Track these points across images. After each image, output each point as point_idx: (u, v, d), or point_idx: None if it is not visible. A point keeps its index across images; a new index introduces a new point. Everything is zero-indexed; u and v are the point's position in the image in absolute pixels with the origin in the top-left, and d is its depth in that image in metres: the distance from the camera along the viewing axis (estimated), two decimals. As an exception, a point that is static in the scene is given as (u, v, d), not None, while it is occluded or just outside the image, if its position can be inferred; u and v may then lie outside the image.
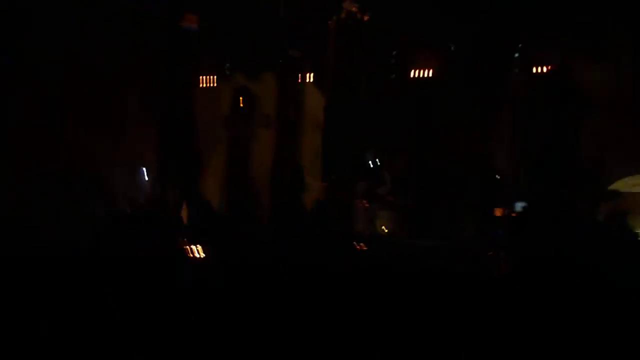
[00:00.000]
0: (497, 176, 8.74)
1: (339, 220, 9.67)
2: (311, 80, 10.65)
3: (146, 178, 9.46)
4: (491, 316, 3.74)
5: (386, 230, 9.24)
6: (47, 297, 3.34)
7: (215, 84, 10.09)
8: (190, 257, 5.76)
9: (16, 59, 7.56)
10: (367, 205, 9.47)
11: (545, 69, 8.69)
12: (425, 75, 9.34)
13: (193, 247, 6.49)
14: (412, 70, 9.41)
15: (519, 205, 7.98)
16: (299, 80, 10.23)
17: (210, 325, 3.26)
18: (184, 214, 8.23)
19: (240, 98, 9.69)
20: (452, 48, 8.90)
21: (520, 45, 8.59)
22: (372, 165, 9.81)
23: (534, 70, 8.75)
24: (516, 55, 8.57)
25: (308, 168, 10.07)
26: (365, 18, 8.78)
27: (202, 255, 6.09)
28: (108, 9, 8.18)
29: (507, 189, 8.38)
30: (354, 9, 8.60)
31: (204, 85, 10.11)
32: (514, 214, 7.87)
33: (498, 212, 8.02)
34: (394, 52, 9.37)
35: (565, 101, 8.26)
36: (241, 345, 3.03)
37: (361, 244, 8.24)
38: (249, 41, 9.44)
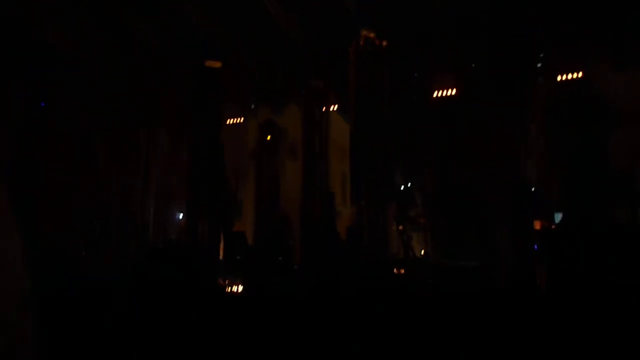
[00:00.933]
0: (531, 189, 8.53)
1: (372, 245, 9.59)
2: (335, 108, 10.77)
3: (180, 213, 9.64)
4: (533, 333, 3.62)
5: (421, 252, 9.12)
6: (88, 331, 3.42)
7: (242, 119, 10.30)
8: (225, 289, 5.80)
9: (52, 102, 7.91)
10: (400, 228, 9.38)
11: (571, 78, 8.56)
12: (448, 94, 9.33)
13: (228, 279, 6.53)
14: (435, 90, 9.42)
15: (555, 218, 7.77)
16: (323, 109, 10.35)
17: (247, 356, 3.26)
18: (217, 247, 8.31)
19: (267, 130, 9.85)
20: (474, 65, 8.87)
21: (543, 55, 8.50)
22: (401, 188, 9.75)
23: (560, 79, 8.63)
24: (539, 65, 8.47)
25: (338, 195, 10.08)
26: (384, 44, 8.86)
27: (238, 287, 6.12)
28: (139, 54, 8.50)
29: (541, 202, 8.19)
30: (371, 35, 8.69)
31: (232, 120, 10.33)
32: (549, 227, 7.66)
33: (533, 226, 7.82)
34: (415, 74, 9.41)
35: (595, 110, 8.09)
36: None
37: (398, 267, 8.15)
38: (272, 75, 9.64)
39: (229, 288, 6.50)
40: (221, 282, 6.28)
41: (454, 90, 9.30)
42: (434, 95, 9.48)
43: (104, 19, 7.88)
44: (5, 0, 6.51)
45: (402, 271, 8.03)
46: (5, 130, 7.22)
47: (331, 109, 10.56)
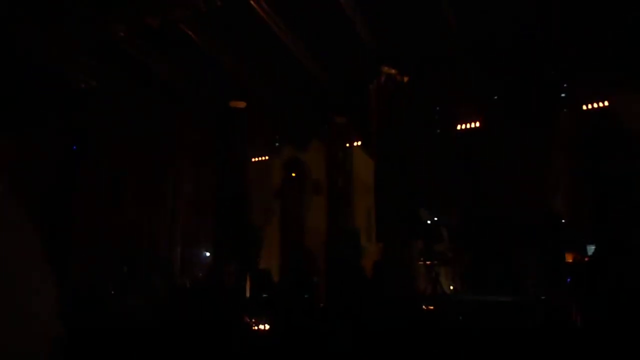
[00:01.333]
0: (560, 221, 8.34)
1: (399, 282, 9.44)
2: (359, 144, 10.84)
3: (206, 252, 9.70)
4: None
5: (451, 288, 8.93)
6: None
7: (265, 157, 10.43)
8: (253, 327, 5.76)
9: (82, 145, 8.17)
10: (427, 263, 9.24)
11: (597, 108, 8.48)
12: (472, 126, 9.33)
13: (254, 317, 6.49)
14: (458, 124, 9.43)
15: (587, 251, 7.55)
16: (347, 145, 10.44)
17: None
18: (244, 285, 8.30)
19: (291, 168, 9.94)
20: (495, 97, 8.88)
21: (566, 85, 8.45)
22: (427, 222, 9.65)
23: (586, 109, 8.55)
24: (563, 95, 8.41)
25: (363, 231, 10.03)
26: (405, 79, 8.96)
27: (266, 325, 6.07)
28: (163, 95, 8.75)
29: (572, 234, 7.98)
30: (392, 71, 8.81)
31: (256, 158, 10.48)
32: (582, 260, 7.43)
33: (565, 259, 7.60)
34: (437, 108, 9.45)
35: (624, 139, 7.95)
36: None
37: (426, 304, 7.98)
38: (295, 113, 9.79)
39: (256, 326, 6.46)
40: (247, 320, 6.25)
41: (477, 123, 9.29)
42: (457, 128, 9.49)
43: (128, 61, 8.18)
44: (35, 45, 6.83)
45: (431, 307, 7.86)
46: (42, 175, 7.46)
47: (355, 145, 10.64)
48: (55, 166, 7.83)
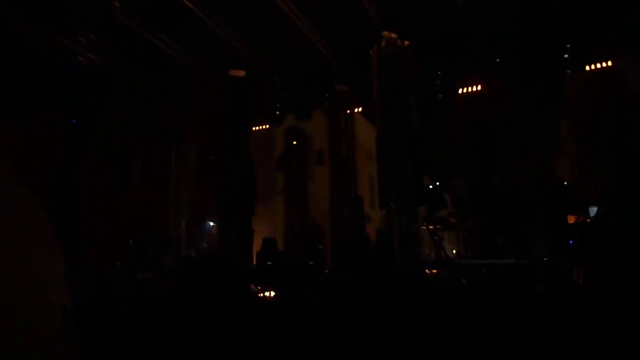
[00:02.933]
0: (564, 184, 8.34)
1: (403, 247, 9.52)
2: (360, 111, 10.77)
3: (211, 223, 9.78)
4: (570, 331, 3.55)
5: (453, 252, 9.02)
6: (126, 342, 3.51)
7: (267, 128, 10.39)
8: (258, 295, 5.87)
9: (87, 124, 8.13)
10: (430, 229, 9.29)
11: (603, 70, 8.36)
12: (475, 91, 9.24)
13: (260, 285, 6.60)
14: (461, 89, 9.33)
15: (590, 213, 7.57)
16: (348, 113, 10.37)
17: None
18: (249, 254, 8.40)
19: (293, 136, 9.91)
20: (498, 60, 8.76)
21: (570, 47, 8.31)
22: (430, 188, 9.66)
23: (592, 73, 8.43)
24: (566, 56, 8.27)
25: (366, 198, 10.07)
26: (406, 43, 8.82)
27: (271, 292, 6.18)
28: (164, 70, 8.67)
29: (576, 197, 8.00)
30: (393, 36, 8.66)
31: (258, 131, 10.44)
32: (584, 221, 7.46)
33: (568, 222, 7.63)
34: (439, 72, 9.34)
35: (626, 105, 7.88)
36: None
37: (430, 269, 8.08)
38: (296, 81, 9.70)
39: (262, 294, 6.57)
40: (253, 288, 6.35)
41: (481, 87, 9.20)
42: (461, 93, 9.40)
43: (130, 37, 8.06)
44: (38, 26, 6.70)
45: (434, 272, 7.96)
46: (49, 154, 7.45)
47: (356, 112, 10.57)
48: (61, 147, 7.82)
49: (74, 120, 7.99)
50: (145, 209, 8.91)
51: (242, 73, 9.40)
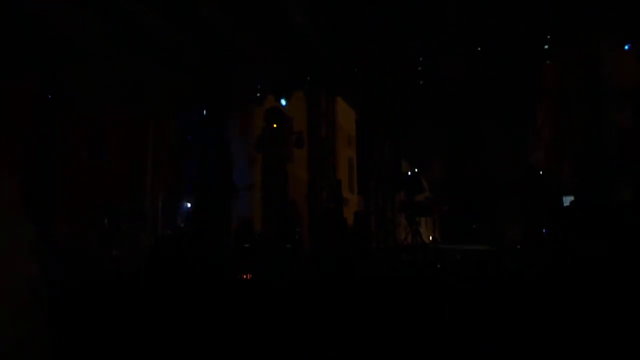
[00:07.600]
0: (539, 172, 8.50)
1: (379, 231, 9.60)
2: (341, 95, 10.75)
3: (188, 204, 9.70)
4: (541, 315, 3.64)
5: (429, 237, 9.16)
6: (99, 320, 3.48)
7: (248, 108, 10.27)
8: (234, 276, 5.86)
9: (62, 96, 7.93)
10: (407, 214, 9.40)
11: (579, 60, 8.47)
12: (456, 76, 9.27)
13: (236, 266, 6.59)
14: (441, 72, 9.35)
15: (564, 201, 7.74)
16: (329, 97, 10.34)
17: (256, 342, 3.30)
18: (226, 235, 8.37)
19: (273, 119, 9.85)
20: (479, 48, 8.79)
21: (549, 37, 8.38)
22: (409, 174, 9.75)
23: (568, 62, 8.55)
24: (546, 47, 8.35)
25: (344, 182, 10.09)
26: (388, 29, 8.79)
27: (248, 275, 6.18)
28: (144, 45, 8.45)
29: (550, 185, 8.16)
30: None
31: (238, 110, 10.30)
32: (557, 208, 7.62)
33: (542, 209, 7.79)
34: (420, 59, 9.33)
35: (602, 94, 8.01)
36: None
37: (405, 253, 8.18)
38: (277, 63, 9.60)
39: (238, 275, 6.57)
40: (230, 269, 6.34)
41: (461, 74, 9.24)
42: (440, 80, 9.43)
43: (112, 11, 7.83)
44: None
45: (410, 256, 8.07)
46: (21, 125, 7.26)
47: (337, 96, 10.54)
48: (33, 118, 7.62)
49: (47, 89, 7.78)
50: (120, 183, 8.77)
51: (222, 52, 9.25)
